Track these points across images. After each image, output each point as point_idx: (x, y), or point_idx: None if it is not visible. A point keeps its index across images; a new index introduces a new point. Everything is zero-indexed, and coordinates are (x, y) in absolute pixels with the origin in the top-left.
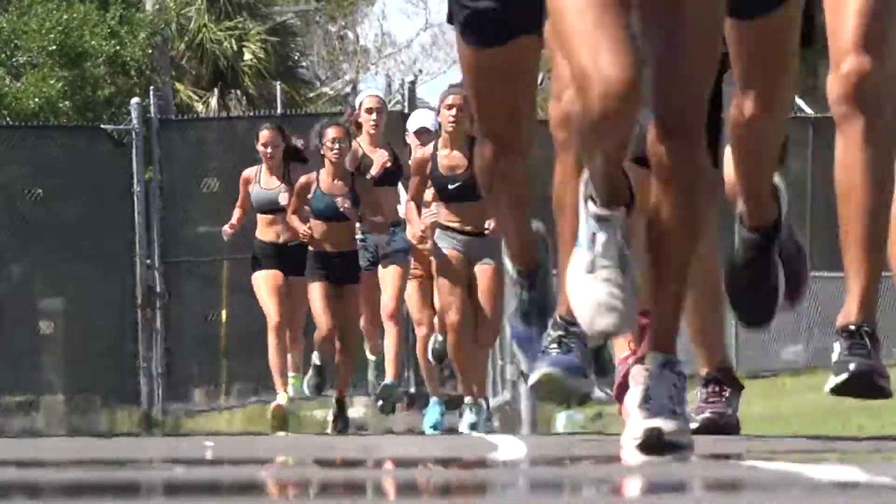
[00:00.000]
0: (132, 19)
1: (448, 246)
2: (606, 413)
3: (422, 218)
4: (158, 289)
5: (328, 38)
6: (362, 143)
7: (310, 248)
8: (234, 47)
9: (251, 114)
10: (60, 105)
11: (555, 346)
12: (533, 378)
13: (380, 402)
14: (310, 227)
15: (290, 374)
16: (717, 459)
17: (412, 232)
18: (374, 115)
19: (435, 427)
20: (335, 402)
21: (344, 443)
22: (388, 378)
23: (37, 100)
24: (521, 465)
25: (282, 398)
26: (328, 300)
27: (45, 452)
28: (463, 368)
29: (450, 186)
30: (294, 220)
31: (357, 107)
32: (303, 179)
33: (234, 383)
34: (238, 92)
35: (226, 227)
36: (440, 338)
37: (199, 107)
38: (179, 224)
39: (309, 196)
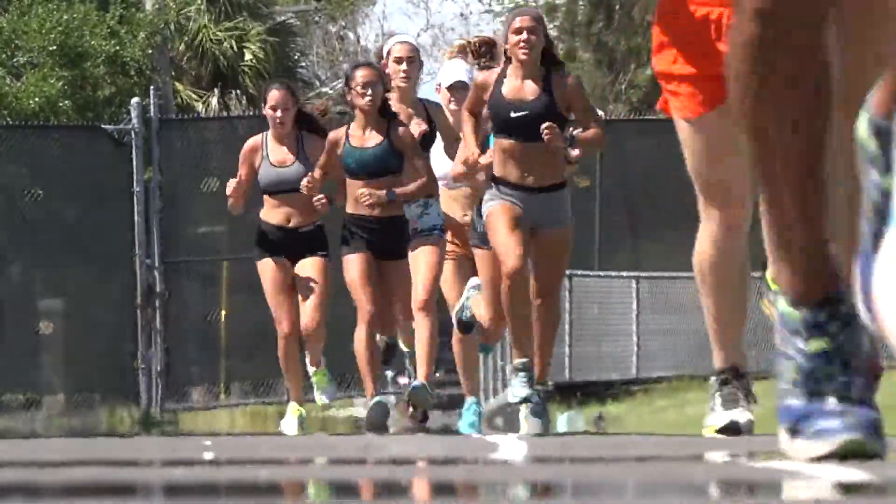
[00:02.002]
0: (132, 19)
1: (500, 200)
2: (606, 414)
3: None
4: (158, 288)
5: (328, 39)
6: (390, 99)
7: (346, 211)
8: (234, 47)
9: (251, 114)
10: (60, 105)
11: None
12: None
13: (410, 410)
14: (324, 199)
15: (311, 368)
16: (719, 459)
17: (462, 156)
18: (404, 66)
19: (472, 426)
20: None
21: (344, 442)
22: (419, 379)
23: (37, 99)
24: (522, 465)
25: (291, 419)
26: (370, 276)
27: (44, 452)
28: (464, 364)
29: (513, 114)
30: (316, 175)
31: (385, 55)
32: (332, 134)
33: (233, 383)
34: (238, 92)
35: (230, 195)
36: (469, 305)
37: (200, 107)
38: (179, 224)
39: (339, 152)
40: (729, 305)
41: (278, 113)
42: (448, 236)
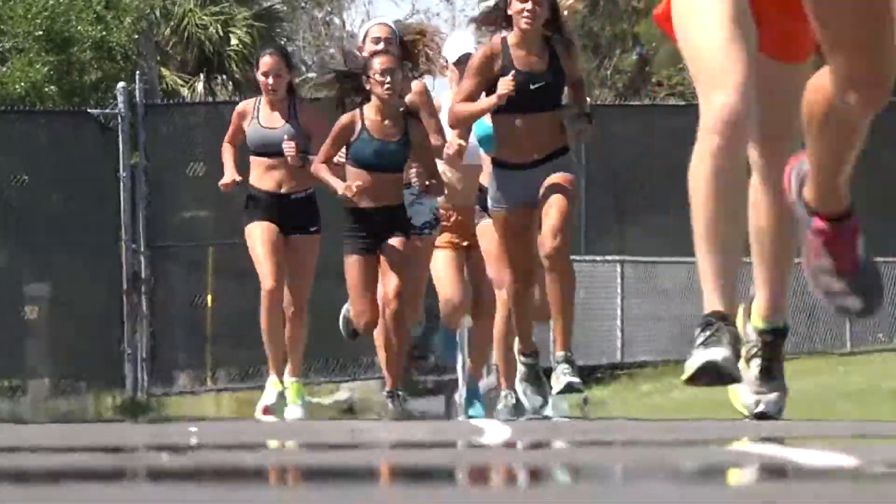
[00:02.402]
0: (118, 4)
1: (504, 197)
2: (591, 399)
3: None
4: (144, 274)
5: (314, 24)
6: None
7: (344, 206)
8: (220, 32)
9: (237, 99)
10: (46, 90)
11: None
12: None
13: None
14: (359, 185)
15: (289, 378)
16: (703, 444)
17: (451, 138)
18: (381, 46)
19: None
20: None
21: (330, 427)
22: (389, 385)
23: (23, 84)
24: (507, 448)
25: (271, 393)
26: (371, 278)
27: (30, 438)
28: (505, 358)
29: (532, 86)
30: (323, 171)
31: (362, 39)
32: (345, 119)
33: (219, 368)
34: (224, 77)
35: (224, 179)
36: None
37: (185, 92)
38: (165, 209)
39: (353, 139)
40: (723, 232)
41: (270, 80)
42: (444, 230)
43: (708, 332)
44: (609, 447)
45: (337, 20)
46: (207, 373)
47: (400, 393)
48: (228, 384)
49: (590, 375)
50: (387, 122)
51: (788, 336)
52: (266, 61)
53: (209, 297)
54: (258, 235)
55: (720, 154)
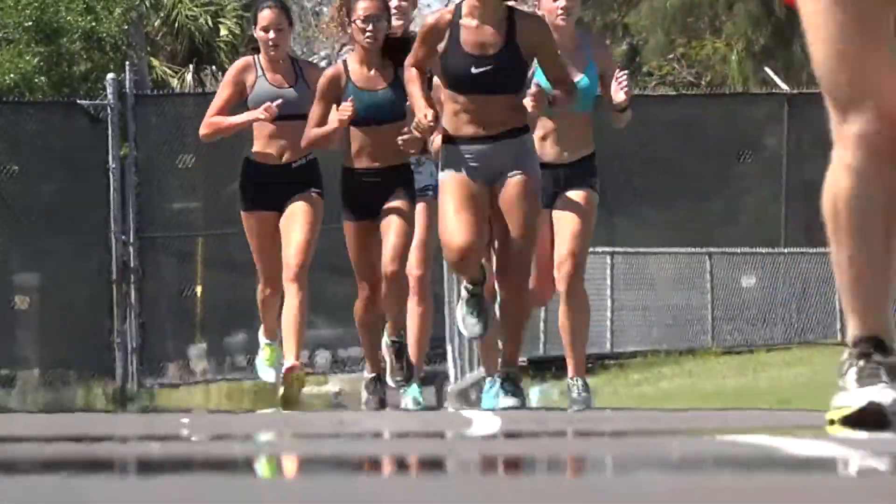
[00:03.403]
0: None
1: (453, 169)
2: None
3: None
4: (133, 264)
5: (303, 15)
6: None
7: (343, 165)
8: (210, 23)
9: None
10: (36, 81)
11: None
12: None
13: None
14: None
15: (263, 338)
16: (693, 434)
17: (417, 117)
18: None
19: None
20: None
21: (320, 418)
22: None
23: (12, 75)
24: (496, 438)
25: (264, 361)
26: (371, 248)
27: (19, 428)
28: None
29: (474, 70)
30: (313, 133)
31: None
32: (329, 71)
33: (209, 358)
34: (213, 67)
35: (256, 114)
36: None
37: (175, 83)
38: (154, 199)
39: (339, 94)
40: (870, 254)
41: (271, 34)
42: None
43: (864, 365)
44: (599, 437)
45: (326, 10)
46: (196, 363)
47: (382, 379)
48: (217, 374)
49: None
50: (373, 71)
51: (781, 326)
52: (265, 15)
53: (198, 288)
54: (255, 232)
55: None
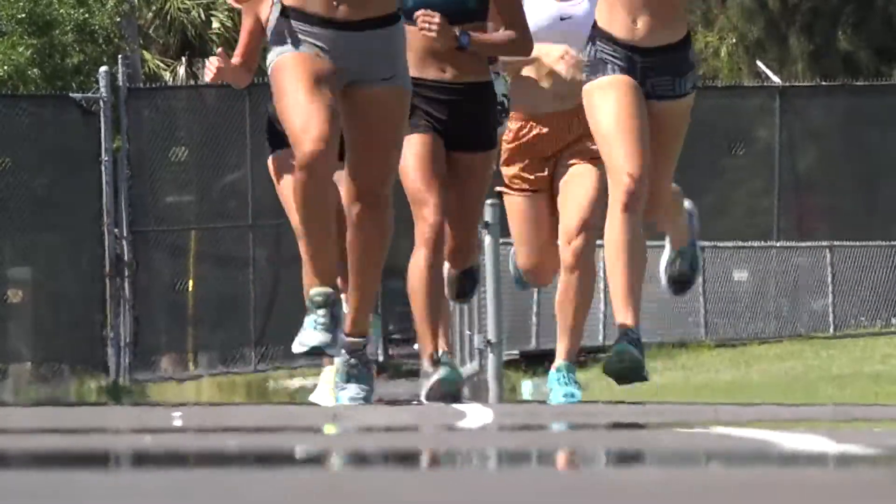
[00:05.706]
0: None
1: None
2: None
3: None
4: (126, 258)
5: None
6: None
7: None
8: (202, 16)
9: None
10: (29, 73)
11: None
12: None
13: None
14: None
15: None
16: (685, 427)
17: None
18: None
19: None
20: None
21: (312, 412)
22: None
23: (5, 68)
24: (489, 432)
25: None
26: (436, 170)
27: (12, 421)
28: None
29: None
30: None
31: None
32: None
33: (201, 352)
34: (206, 60)
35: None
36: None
37: (167, 76)
38: (147, 193)
39: None
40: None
41: None
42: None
43: None
44: (592, 430)
45: None
46: (190, 356)
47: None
48: (210, 368)
49: None
50: None
51: (773, 320)
52: None
53: (191, 282)
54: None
55: None
